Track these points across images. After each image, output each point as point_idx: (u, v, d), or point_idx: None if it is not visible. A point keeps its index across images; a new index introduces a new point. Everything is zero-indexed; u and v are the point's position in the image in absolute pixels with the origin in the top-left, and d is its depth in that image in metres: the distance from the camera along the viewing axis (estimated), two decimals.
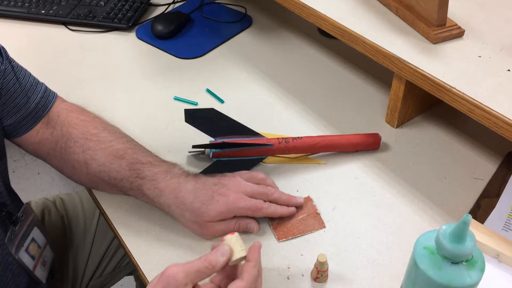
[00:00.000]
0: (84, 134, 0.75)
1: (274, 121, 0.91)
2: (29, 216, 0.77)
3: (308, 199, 0.76)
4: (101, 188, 0.77)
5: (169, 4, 1.24)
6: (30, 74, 0.78)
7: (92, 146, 0.74)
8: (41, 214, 0.95)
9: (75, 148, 0.74)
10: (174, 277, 0.52)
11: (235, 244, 0.56)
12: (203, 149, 0.82)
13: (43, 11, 1.19)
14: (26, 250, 0.74)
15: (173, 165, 0.73)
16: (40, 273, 0.77)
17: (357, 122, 0.90)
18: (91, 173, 0.74)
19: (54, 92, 0.80)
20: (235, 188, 0.70)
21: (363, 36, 0.80)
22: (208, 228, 0.69)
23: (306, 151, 0.82)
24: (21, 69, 0.76)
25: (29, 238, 0.75)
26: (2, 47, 0.74)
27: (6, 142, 0.79)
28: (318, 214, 0.74)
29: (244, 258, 0.56)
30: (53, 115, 0.77)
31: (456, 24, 0.78)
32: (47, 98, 0.77)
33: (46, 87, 0.79)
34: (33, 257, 0.75)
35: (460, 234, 0.47)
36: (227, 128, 0.81)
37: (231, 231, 0.67)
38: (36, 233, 0.77)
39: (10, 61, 0.74)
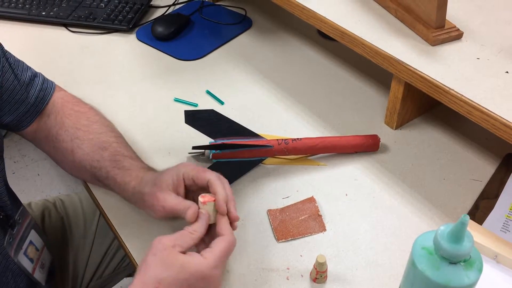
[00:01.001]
0: (76, 124, 0.76)
1: (274, 123, 0.91)
2: (26, 219, 0.77)
3: (311, 200, 0.77)
4: (83, 177, 0.78)
5: (169, 6, 1.24)
6: (28, 67, 0.78)
7: (80, 135, 0.75)
8: (41, 216, 0.95)
9: (64, 136, 0.76)
10: (160, 241, 0.57)
11: (213, 212, 0.63)
12: (203, 150, 0.82)
13: (43, 13, 1.19)
14: (25, 253, 0.74)
15: (152, 168, 0.74)
16: (39, 276, 0.77)
17: (356, 123, 0.90)
18: (76, 161, 0.75)
19: (52, 82, 0.81)
20: None
21: (363, 38, 0.80)
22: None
23: (306, 152, 0.82)
24: (18, 63, 0.77)
25: (27, 241, 0.75)
26: None
27: (5, 143, 0.79)
28: (320, 215, 0.74)
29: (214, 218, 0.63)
30: (49, 105, 0.79)
31: (455, 26, 0.78)
32: (45, 90, 0.79)
33: (44, 78, 0.80)
34: (31, 260, 0.75)
35: (458, 235, 0.47)
36: (227, 129, 0.81)
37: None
38: (33, 235, 0.78)
39: (7, 57, 0.74)
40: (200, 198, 0.62)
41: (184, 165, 0.68)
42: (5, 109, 0.74)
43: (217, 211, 0.62)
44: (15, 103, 0.74)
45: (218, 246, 0.59)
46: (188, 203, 0.64)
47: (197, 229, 0.60)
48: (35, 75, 0.79)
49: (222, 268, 0.59)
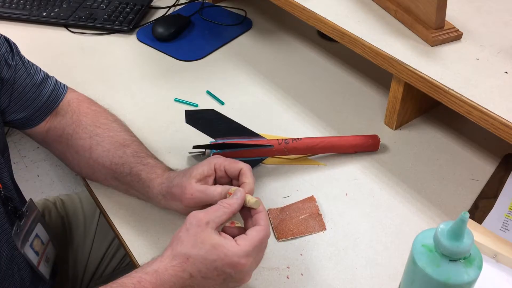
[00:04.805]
0: (95, 122, 0.77)
1: (274, 123, 0.92)
2: (33, 212, 0.78)
3: (311, 199, 0.77)
4: (96, 175, 0.78)
5: (169, 7, 1.24)
6: (40, 69, 0.80)
7: (100, 132, 0.76)
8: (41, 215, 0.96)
9: (82, 134, 0.76)
10: (195, 216, 0.57)
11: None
12: (204, 150, 0.82)
13: (44, 14, 1.19)
14: (31, 246, 0.75)
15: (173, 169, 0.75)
16: (44, 269, 0.78)
17: (356, 123, 0.91)
18: (93, 158, 0.75)
19: (64, 85, 0.82)
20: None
21: (363, 38, 0.81)
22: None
23: (306, 152, 0.82)
24: (31, 64, 0.78)
25: (33, 234, 0.76)
26: (13, 43, 0.76)
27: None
28: (320, 215, 0.75)
29: (256, 202, 0.62)
30: (63, 104, 0.80)
31: (454, 27, 0.79)
32: (58, 91, 0.80)
33: (56, 80, 0.81)
34: (37, 253, 0.76)
35: (458, 232, 0.48)
36: (227, 129, 0.81)
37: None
38: (39, 229, 0.78)
39: (20, 56, 0.77)
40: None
41: (215, 157, 0.70)
42: (16, 106, 0.75)
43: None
44: (26, 100, 0.76)
45: (252, 235, 0.59)
46: (216, 186, 0.65)
47: (231, 203, 0.60)
48: (48, 76, 0.80)
49: (255, 261, 0.59)
